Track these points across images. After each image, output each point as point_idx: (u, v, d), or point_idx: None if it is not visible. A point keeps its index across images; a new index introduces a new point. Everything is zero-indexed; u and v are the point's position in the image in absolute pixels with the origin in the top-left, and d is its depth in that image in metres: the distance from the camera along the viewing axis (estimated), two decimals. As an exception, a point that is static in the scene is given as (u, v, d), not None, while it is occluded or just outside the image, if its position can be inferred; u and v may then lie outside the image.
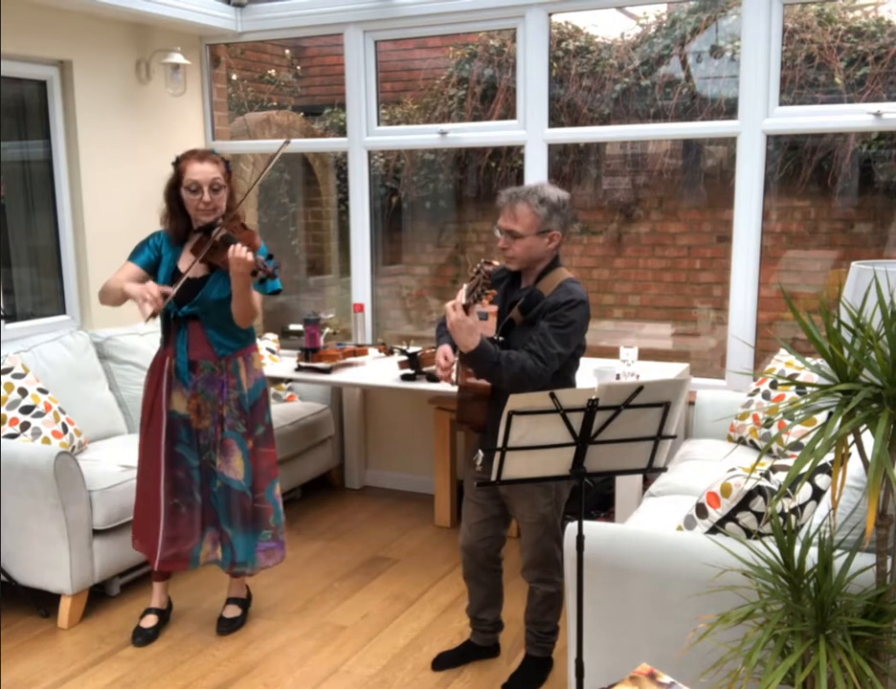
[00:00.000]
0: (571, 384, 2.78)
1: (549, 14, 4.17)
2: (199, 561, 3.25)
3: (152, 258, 3.14)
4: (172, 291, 2.95)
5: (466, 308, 2.51)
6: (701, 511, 2.37)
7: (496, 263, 2.62)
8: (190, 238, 3.10)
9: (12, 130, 4.17)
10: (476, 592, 3.05)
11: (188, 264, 3.06)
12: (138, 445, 3.26)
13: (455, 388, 2.80)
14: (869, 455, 1.81)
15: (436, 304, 5.64)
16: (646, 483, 3.59)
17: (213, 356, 3.13)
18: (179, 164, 3.05)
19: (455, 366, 2.77)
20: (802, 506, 2.27)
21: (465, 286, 2.54)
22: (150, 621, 3.32)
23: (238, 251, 2.88)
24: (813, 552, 2.03)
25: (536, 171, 4.27)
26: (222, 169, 3.06)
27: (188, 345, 3.12)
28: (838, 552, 2.00)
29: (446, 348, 2.81)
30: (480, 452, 2.82)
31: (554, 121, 4.36)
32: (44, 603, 3.43)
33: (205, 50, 4.94)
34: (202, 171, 3.00)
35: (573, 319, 2.62)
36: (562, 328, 2.61)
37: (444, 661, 3.11)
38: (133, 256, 3.15)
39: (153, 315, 2.89)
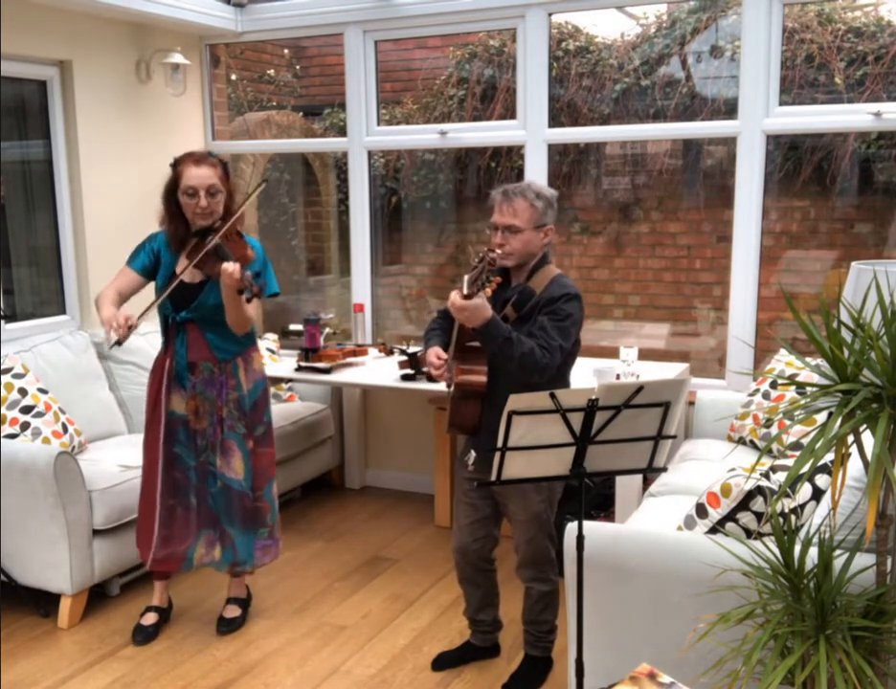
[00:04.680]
0: (566, 381, 2.78)
1: (549, 14, 4.17)
2: (193, 563, 3.24)
3: (148, 263, 3.14)
4: (137, 323, 2.92)
5: (469, 297, 2.50)
6: (701, 511, 2.37)
7: (500, 251, 2.61)
8: (188, 242, 3.09)
9: (12, 130, 4.17)
10: (472, 595, 3.05)
11: (183, 268, 3.06)
12: (142, 445, 3.26)
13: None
14: (869, 455, 1.81)
15: (436, 304, 5.64)
16: (646, 483, 3.59)
17: (213, 359, 3.13)
18: (177, 167, 3.04)
19: (449, 365, 2.76)
20: (802, 506, 2.27)
21: (467, 277, 2.51)
22: (150, 619, 3.33)
23: (227, 268, 2.87)
24: (813, 552, 2.03)
25: (536, 171, 4.27)
26: (219, 173, 3.04)
27: (187, 349, 3.12)
28: (838, 552, 2.00)
29: (437, 349, 2.80)
30: (472, 452, 2.83)
31: (554, 121, 4.36)
32: (44, 603, 3.43)
33: (205, 50, 4.94)
34: (198, 176, 2.98)
35: (571, 312, 2.63)
36: (561, 321, 2.62)
37: (444, 661, 3.11)
38: (130, 261, 3.16)
39: (118, 343, 2.91)
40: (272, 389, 4.33)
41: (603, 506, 3.87)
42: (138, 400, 4.08)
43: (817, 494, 2.29)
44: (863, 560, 2.05)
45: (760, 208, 3.92)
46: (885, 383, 1.82)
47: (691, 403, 3.96)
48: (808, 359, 2.18)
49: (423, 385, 3.80)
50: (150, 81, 4.60)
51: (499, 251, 2.64)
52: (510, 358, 2.55)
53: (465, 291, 2.49)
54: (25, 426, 3.53)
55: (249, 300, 2.92)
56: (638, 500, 3.44)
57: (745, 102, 3.86)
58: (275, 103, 6.10)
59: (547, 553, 2.86)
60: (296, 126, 5.85)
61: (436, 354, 2.78)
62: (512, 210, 2.68)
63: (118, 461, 3.64)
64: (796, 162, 4.69)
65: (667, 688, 1.45)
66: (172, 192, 3.05)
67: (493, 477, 2.25)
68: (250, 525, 3.23)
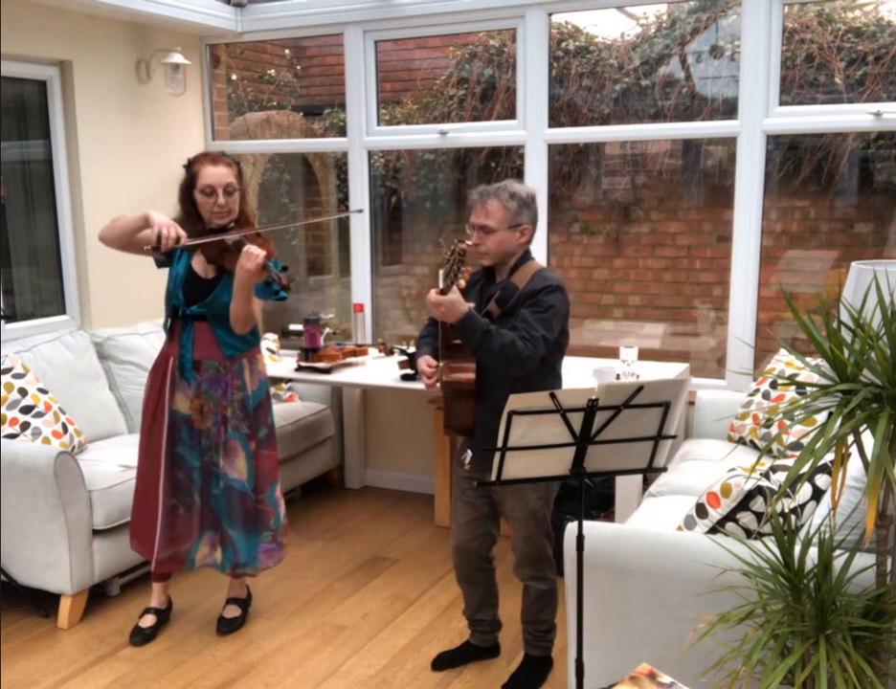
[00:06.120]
0: (556, 373, 2.79)
1: (549, 14, 4.17)
2: (195, 563, 3.24)
3: None
4: (185, 242, 2.90)
5: (444, 292, 2.55)
6: (701, 511, 2.37)
7: (469, 242, 2.64)
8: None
9: (12, 130, 4.17)
10: (471, 594, 3.05)
11: (200, 264, 3.08)
12: (138, 445, 3.25)
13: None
14: (869, 455, 1.81)
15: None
16: (646, 483, 3.59)
17: (220, 356, 3.12)
18: (192, 166, 3.05)
19: (440, 370, 2.78)
20: (802, 506, 2.27)
21: (441, 272, 2.57)
22: (148, 621, 3.33)
23: (250, 249, 2.87)
24: (813, 552, 2.03)
25: (536, 171, 4.27)
26: (235, 172, 3.07)
27: (193, 344, 3.11)
28: (838, 552, 2.00)
29: (427, 358, 2.84)
30: (468, 451, 2.84)
31: (554, 121, 4.36)
32: (44, 603, 3.43)
33: (205, 50, 4.94)
34: (216, 174, 3.01)
35: (552, 303, 2.65)
36: (542, 312, 2.63)
37: (444, 661, 3.11)
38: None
39: (155, 249, 2.87)
40: (272, 389, 4.34)
41: (603, 506, 3.87)
42: (138, 400, 4.06)
43: (817, 494, 2.29)
44: (863, 560, 2.05)
45: (760, 208, 3.92)
46: (885, 383, 1.82)
47: (691, 403, 3.96)
48: (808, 359, 2.18)
49: (423, 385, 3.79)
50: (150, 81, 4.60)
51: (469, 244, 2.67)
52: (490, 351, 2.57)
53: (441, 286, 2.54)
54: (25, 426, 3.53)
55: (277, 293, 2.99)
56: (638, 500, 3.44)
57: (745, 102, 3.86)
58: (275, 103, 6.09)
59: (544, 552, 2.86)
60: (296, 126, 5.85)
61: (426, 362, 2.82)
62: (485, 210, 2.71)
63: (118, 461, 3.64)
64: (796, 162, 4.69)
65: (667, 688, 1.45)
66: (188, 191, 3.06)
67: (493, 478, 2.25)
68: (252, 528, 3.22)
